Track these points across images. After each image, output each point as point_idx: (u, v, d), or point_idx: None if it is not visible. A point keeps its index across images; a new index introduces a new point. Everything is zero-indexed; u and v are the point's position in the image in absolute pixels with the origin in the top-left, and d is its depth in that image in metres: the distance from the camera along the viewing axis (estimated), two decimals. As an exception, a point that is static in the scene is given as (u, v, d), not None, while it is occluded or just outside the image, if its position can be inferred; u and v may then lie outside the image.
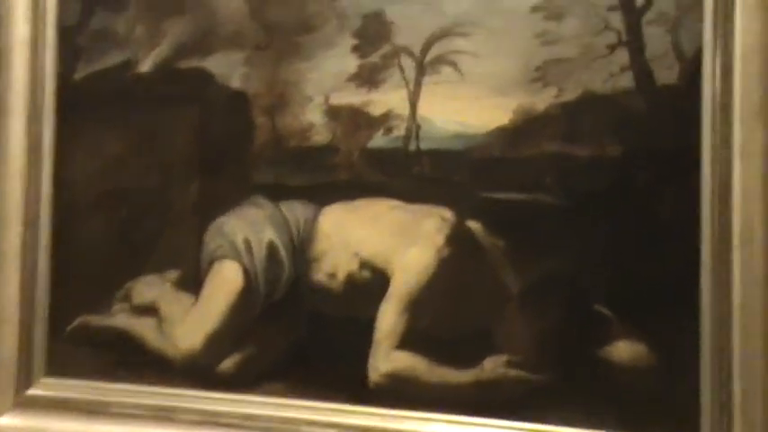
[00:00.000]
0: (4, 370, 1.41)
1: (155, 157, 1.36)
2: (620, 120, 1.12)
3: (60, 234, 1.41)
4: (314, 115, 1.27)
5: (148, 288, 1.36)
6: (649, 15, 1.10)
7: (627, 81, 1.11)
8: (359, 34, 1.24)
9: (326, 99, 1.26)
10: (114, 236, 1.38)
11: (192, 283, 1.33)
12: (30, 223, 1.41)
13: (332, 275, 1.25)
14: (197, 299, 1.33)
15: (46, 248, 1.41)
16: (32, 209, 1.41)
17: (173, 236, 1.35)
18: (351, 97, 1.25)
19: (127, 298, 1.37)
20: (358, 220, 1.25)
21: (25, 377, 1.41)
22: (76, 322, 1.40)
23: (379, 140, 1.24)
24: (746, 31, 1.04)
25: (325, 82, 1.26)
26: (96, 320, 1.39)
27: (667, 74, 1.10)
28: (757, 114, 1.04)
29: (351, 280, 1.24)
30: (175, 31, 1.35)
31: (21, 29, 1.41)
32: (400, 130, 1.22)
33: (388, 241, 1.23)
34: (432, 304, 1.20)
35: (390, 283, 1.21)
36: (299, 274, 1.27)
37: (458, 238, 1.19)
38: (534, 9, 1.15)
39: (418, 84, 1.21)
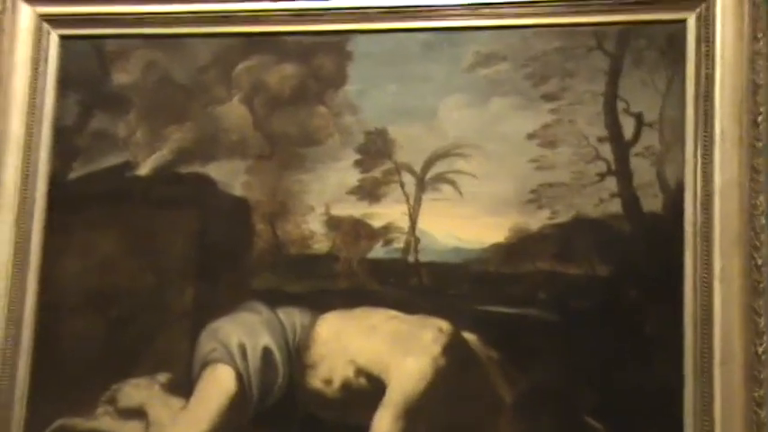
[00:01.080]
0: (-24, 475, 1.36)
1: (150, 259, 1.37)
2: (609, 242, 1.21)
3: (44, 333, 1.39)
4: (315, 225, 1.31)
5: (136, 391, 1.35)
6: (636, 148, 1.21)
7: (615, 207, 1.21)
8: (362, 150, 1.31)
9: (327, 210, 1.31)
10: (102, 336, 1.37)
11: (183, 386, 1.33)
12: (13, 321, 1.39)
13: (328, 381, 1.28)
14: (187, 402, 1.32)
15: (27, 347, 1.39)
16: (17, 306, 1.39)
17: (165, 338, 1.35)
18: (352, 209, 1.30)
19: (112, 400, 1.36)
20: (355, 329, 1.28)
21: (-2, 483, 1.36)
22: (56, 424, 1.37)
23: (378, 251, 1.29)
24: (725, 166, 1.16)
25: (326, 193, 1.31)
26: (78, 423, 1.36)
27: (653, 202, 1.20)
28: (735, 242, 1.15)
29: (346, 386, 1.27)
30: (177, 136, 1.39)
31: (15, 126, 1.43)
32: (400, 243, 1.28)
33: (384, 350, 1.26)
34: (427, 412, 1.23)
35: (386, 391, 1.25)
36: (294, 380, 1.29)
37: (454, 349, 1.24)
38: (530, 136, 1.24)
39: (418, 200, 1.28)
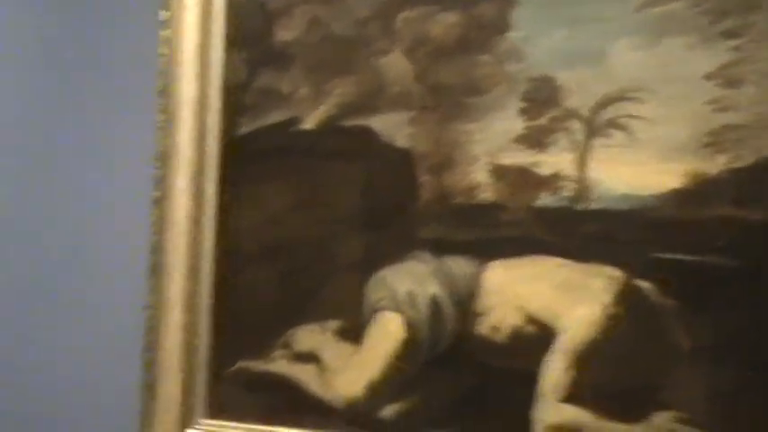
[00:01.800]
0: (168, 412, 1.47)
1: (318, 212, 1.42)
2: (795, 185, 1.15)
3: (222, 283, 1.48)
4: (480, 174, 1.31)
5: (309, 336, 1.41)
6: (829, 85, 1.13)
7: (804, 148, 1.15)
8: (527, 97, 1.29)
9: (493, 159, 1.31)
10: (276, 285, 1.44)
11: (353, 332, 1.38)
12: (192, 273, 1.48)
13: (496, 329, 1.29)
14: (358, 348, 1.38)
15: (207, 296, 1.48)
16: (195, 259, 1.48)
17: (334, 287, 1.40)
18: (518, 158, 1.29)
19: (287, 345, 1.43)
20: (524, 277, 1.29)
21: (187, 419, 1.47)
22: (236, 367, 1.46)
23: (546, 200, 1.28)
24: None
25: (492, 143, 1.31)
26: (256, 366, 1.44)
27: None
28: None
29: (515, 334, 1.28)
30: (340, 90, 1.42)
31: (188, 88, 1.50)
32: (568, 191, 1.26)
33: (554, 298, 1.26)
34: (598, 359, 1.23)
35: (557, 339, 1.25)
36: (462, 327, 1.31)
37: (626, 297, 1.22)
38: (708, 76, 1.19)
39: (588, 146, 1.25)
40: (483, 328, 1.30)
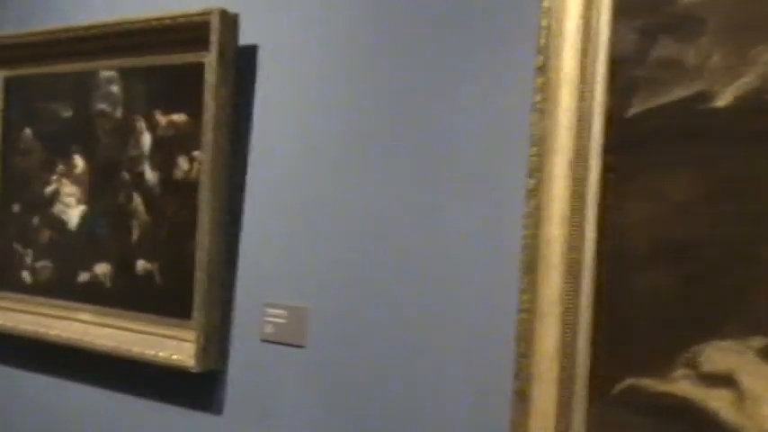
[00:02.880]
0: (541, 429, 1.31)
1: (736, 205, 1.18)
2: None
3: (606, 284, 1.28)
4: None
5: (723, 355, 1.17)
6: None
7: None
8: None
9: None
10: (678, 291, 1.22)
11: (785, 354, 1.13)
12: (571, 271, 1.31)
13: None
14: (796, 374, 1.12)
15: (588, 299, 1.29)
16: (575, 256, 1.30)
17: (759, 296, 1.15)
18: None
19: (693, 363, 1.20)
20: None
21: (563, 438, 1.30)
22: (624, 384, 1.25)
23: None
24: None
25: None
26: (651, 385, 1.23)
27: None
28: None
29: None
30: (766, 58, 1.16)
31: (570, 64, 1.32)
32: None
33: None
34: None
35: None
36: None
37: None
38: None
39: None
40: None
